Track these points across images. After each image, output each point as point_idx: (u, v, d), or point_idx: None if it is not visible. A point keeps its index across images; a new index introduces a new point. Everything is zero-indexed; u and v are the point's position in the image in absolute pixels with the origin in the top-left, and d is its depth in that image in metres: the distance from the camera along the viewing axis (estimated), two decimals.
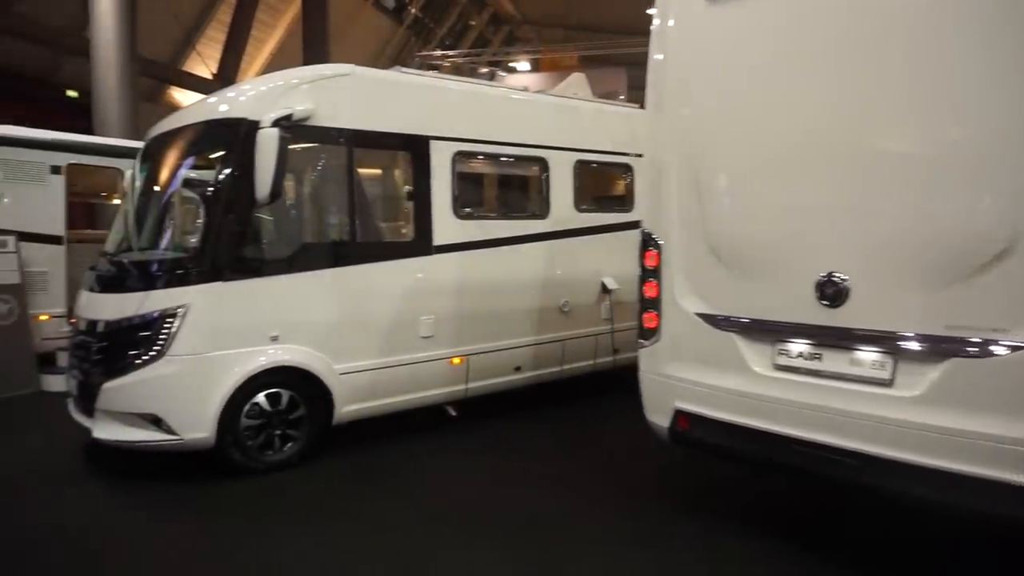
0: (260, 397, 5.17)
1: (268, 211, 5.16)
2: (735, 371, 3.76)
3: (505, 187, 7.12)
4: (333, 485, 5.11)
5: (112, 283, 5.30)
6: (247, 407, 5.10)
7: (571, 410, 7.10)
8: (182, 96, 20.59)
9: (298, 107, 5.08)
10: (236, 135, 4.98)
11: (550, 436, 6.22)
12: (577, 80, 8.07)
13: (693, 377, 3.96)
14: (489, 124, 6.40)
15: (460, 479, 5.22)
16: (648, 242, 4.21)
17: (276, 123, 4.94)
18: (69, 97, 18.24)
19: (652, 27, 4.20)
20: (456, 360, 6.20)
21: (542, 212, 6.85)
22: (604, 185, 7.72)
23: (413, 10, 30.75)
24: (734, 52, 3.83)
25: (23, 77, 17.39)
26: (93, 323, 5.26)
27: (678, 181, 4.06)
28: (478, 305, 6.31)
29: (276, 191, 4.84)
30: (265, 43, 24.22)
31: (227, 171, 4.98)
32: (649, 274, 4.20)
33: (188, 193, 5.21)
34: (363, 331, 5.64)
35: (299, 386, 5.33)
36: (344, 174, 5.50)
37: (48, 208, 8.43)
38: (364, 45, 28.15)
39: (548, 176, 6.84)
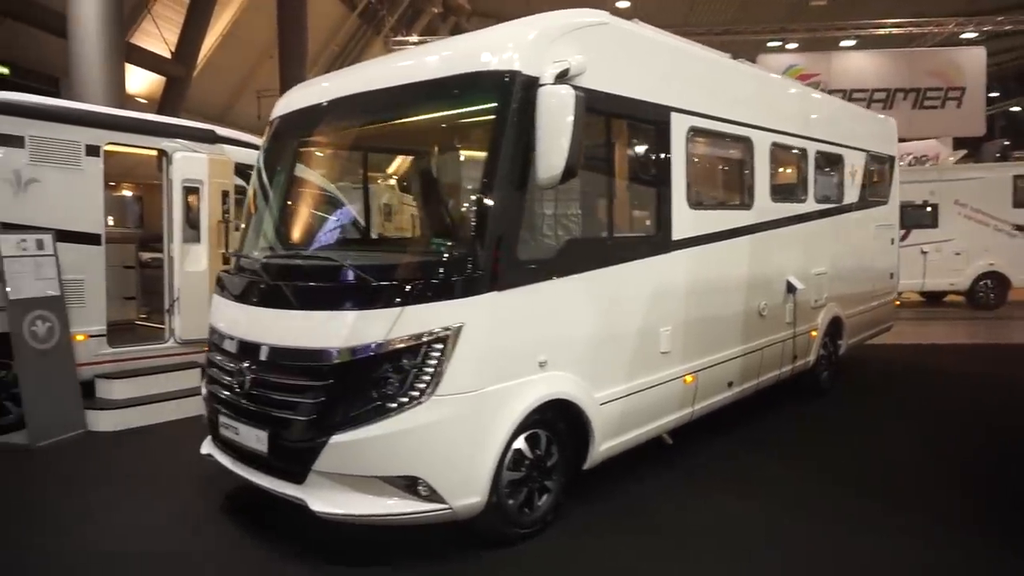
0: (520, 442, 3.92)
1: (540, 197, 3.90)
2: None
3: (723, 172, 6.09)
4: (616, 546, 3.96)
5: (321, 296, 3.85)
6: (508, 456, 3.84)
7: (756, 425, 6.20)
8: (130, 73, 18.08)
9: (573, 59, 3.85)
10: (508, 94, 3.69)
11: (784, 460, 5.34)
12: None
13: None
14: (720, 99, 5.39)
15: (743, 518, 4.34)
16: None
17: (559, 79, 3.71)
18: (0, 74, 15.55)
19: None
20: (689, 378, 5.13)
21: (750, 201, 5.88)
22: (792, 172, 6.82)
23: None
24: None
25: None
26: (285, 352, 3.83)
27: None
28: (704, 311, 5.28)
29: (570, 169, 3.60)
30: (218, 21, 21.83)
31: (501, 143, 3.67)
32: None
33: (433, 172, 3.85)
34: (615, 350, 4.49)
35: (554, 423, 4.11)
36: (604, 151, 4.32)
37: (84, 199, 6.63)
38: (314, 30, 26.11)
39: (754, 160, 5.88)
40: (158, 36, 18.57)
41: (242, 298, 4.29)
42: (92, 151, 6.63)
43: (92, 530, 4.33)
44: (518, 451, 3.89)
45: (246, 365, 3.98)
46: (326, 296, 3.81)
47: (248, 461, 4.03)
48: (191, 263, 7.25)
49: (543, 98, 3.64)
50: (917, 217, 13.97)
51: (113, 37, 11.07)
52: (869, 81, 20.27)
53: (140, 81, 18.34)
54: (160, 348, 7.21)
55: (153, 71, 17.55)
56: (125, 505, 4.69)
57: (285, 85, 18.29)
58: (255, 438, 3.89)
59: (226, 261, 7.36)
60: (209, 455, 4.43)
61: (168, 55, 17.99)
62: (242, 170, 7.80)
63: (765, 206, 6.01)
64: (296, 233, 4.66)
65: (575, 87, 3.66)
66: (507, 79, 3.70)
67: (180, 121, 7.72)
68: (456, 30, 35.81)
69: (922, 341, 10.77)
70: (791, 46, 23.14)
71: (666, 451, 5.23)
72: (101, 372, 6.71)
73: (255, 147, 8.19)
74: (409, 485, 3.55)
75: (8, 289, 5.86)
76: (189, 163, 7.22)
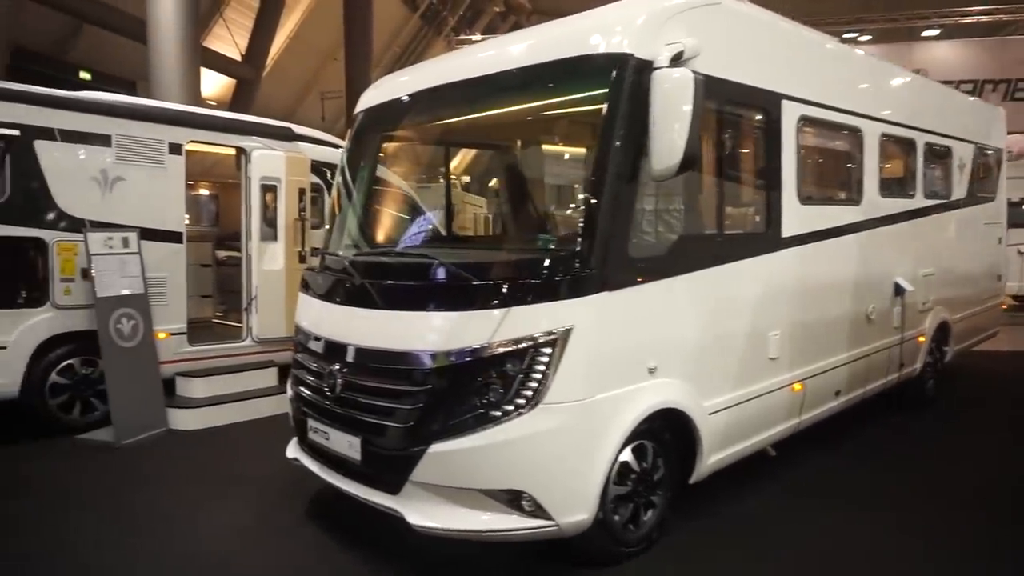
0: (627, 453, 3.63)
1: (651, 190, 3.61)
2: None
3: (832, 165, 5.69)
4: (728, 572, 3.64)
5: (419, 295, 3.64)
6: (614, 469, 3.56)
7: (860, 438, 5.76)
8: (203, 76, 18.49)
9: (686, 41, 3.55)
10: (619, 79, 3.41)
11: (892, 477, 4.93)
12: None
13: None
14: (830, 85, 5.01)
15: (855, 540, 3.96)
16: None
17: (674, 62, 3.42)
18: (82, 79, 16.07)
19: None
20: (797, 386, 4.76)
21: (858, 197, 5.46)
22: (900, 166, 6.35)
23: None
24: None
25: (28, 54, 15.15)
26: (380, 355, 3.63)
27: None
28: (813, 314, 4.90)
29: (688, 159, 3.30)
30: (284, 24, 22.18)
31: (612, 131, 3.39)
32: None
33: (534, 165, 3.60)
34: (724, 355, 4.17)
35: (660, 434, 3.82)
36: (714, 142, 4.01)
37: (166, 197, 6.65)
38: (377, 32, 26.31)
39: (863, 152, 5.46)
40: (229, 40, 18.95)
41: (331, 297, 4.13)
42: (175, 149, 6.64)
43: (178, 532, 4.25)
44: (624, 464, 3.61)
45: (337, 367, 3.81)
46: (424, 296, 3.60)
47: (338, 467, 3.87)
48: (268, 261, 7.21)
49: (658, 82, 3.35)
50: (1014, 215, 13.06)
51: (189, 41, 11.26)
52: (954, 72, 19.15)
53: (211, 84, 18.74)
54: (238, 347, 7.19)
55: (225, 74, 17.91)
56: (210, 507, 4.61)
57: (351, 86, 18.45)
58: (347, 444, 3.71)
59: (302, 259, 7.32)
60: (295, 459, 4.30)
61: (239, 58, 18.31)
62: (318, 168, 7.75)
63: (874, 202, 5.58)
64: (386, 230, 4.51)
65: (693, 71, 3.37)
66: (618, 63, 3.42)
67: (258, 119, 7.70)
68: (516, 29, 35.73)
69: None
70: (864, 38, 22.13)
71: (768, 464, 4.87)
72: (181, 370, 6.72)
73: (331, 145, 8.16)
74: (512, 500, 3.31)
75: (96, 287, 5.89)
76: (267, 161, 7.18)
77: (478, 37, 26.72)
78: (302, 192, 7.38)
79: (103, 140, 6.20)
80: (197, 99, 11.31)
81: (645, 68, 3.42)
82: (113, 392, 5.91)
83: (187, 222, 7.09)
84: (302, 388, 4.19)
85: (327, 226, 4.82)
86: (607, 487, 3.48)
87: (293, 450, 4.39)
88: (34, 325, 5.84)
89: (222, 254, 8.84)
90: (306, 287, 4.53)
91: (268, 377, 7.09)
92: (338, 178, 4.86)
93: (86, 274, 5.96)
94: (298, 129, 7.85)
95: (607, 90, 3.43)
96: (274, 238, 7.24)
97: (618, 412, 3.44)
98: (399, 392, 3.49)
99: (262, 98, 19.89)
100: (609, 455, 3.41)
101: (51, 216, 5.94)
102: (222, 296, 8.59)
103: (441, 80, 4.28)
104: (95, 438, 5.96)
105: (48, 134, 5.89)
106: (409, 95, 4.46)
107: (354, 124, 4.91)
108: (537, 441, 3.25)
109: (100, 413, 6.18)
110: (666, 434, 3.84)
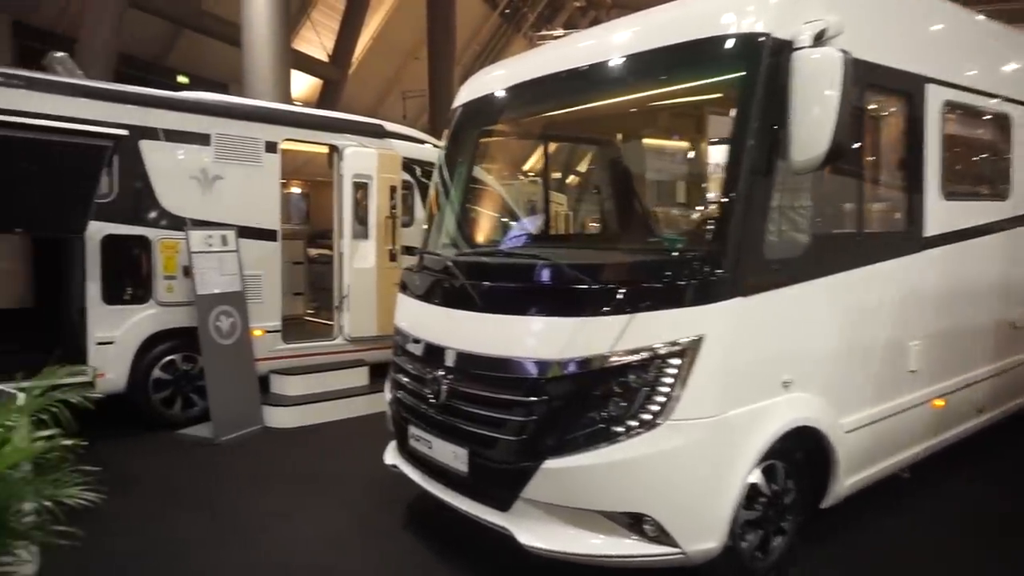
0: (757, 475, 3.30)
1: (789, 184, 3.26)
2: None
3: (977, 155, 5.16)
4: None
5: (532, 299, 3.41)
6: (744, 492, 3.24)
7: (1002, 461, 5.18)
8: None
9: (829, 18, 3.17)
10: (755, 61, 3.08)
11: None
12: None
13: None
14: (976, 66, 4.52)
15: None
16: None
17: (816, 41, 3.06)
18: (180, 83, 16.72)
19: None
20: (938, 402, 4.28)
21: (1005, 191, 4.91)
22: None
23: None
24: None
25: (132, 60, 15.83)
26: (490, 362, 3.41)
27: None
28: (955, 322, 4.42)
29: (836, 149, 2.94)
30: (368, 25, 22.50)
31: (747, 119, 3.07)
32: None
33: (656, 158, 3.31)
34: (862, 368, 3.77)
35: (791, 454, 3.46)
36: (855, 128, 3.60)
37: (262, 195, 6.68)
38: (458, 30, 26.39)
39: (1012, 140, 4.92)
40: (316, 42, 19.35)
41: (434, 299, 3.95)
42: (271, 148, 6.66)
43: (278, 534, 4.18)
44: (754, 486, 3.28)
45: (441, 373, 3.62)
46: (538, 299, 3.36)
47: (441, 477, 3.68)
48: (360, 260, 7.16)
49: (801, 64, 3.00)
50: None
51: (280, 43, 11.47)
52: None
53: (299, 85, 19.17)
54: (329, 345, 7.18)
55: (312, 74, 18.28)
56: (308, 509, 4.54)
57: (433, 84, 18.51)
58: (452, 455, 3.52)
59: (393, 258, 7.24)
60: (394, 466, 4.15)
61: (325, 59, 18.65)
62: (407, 165, 7.67)
63: (1022, 196, 5.00)
64: (487, 229, 4.30)
65: (840, 50, 3.00)
66: (754, 44, 3.09)
67: (350, 116, 7.67)
68: (596, 24, 35.24)
69: None
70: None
71: (901, 487, 4.41)
72: (275, 368, 6.75)
73: (420, 141, 8.07)
74: (634, 523, 3.04)
75: (196, 284, 5.95)
76: (359, 158, 7.13)
77: (560, 32, 26.41)
78: (393, 189, 7.31)
79: (203, 139, 6.27)
80: (287, 100, 11.52)
81: (784, 49, 3.08)
82: (212, 389, 5.96)
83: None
84: (402, 393, 4.04)
85: (424, 226, 4.66)
86: (737, 511, 3.16)
87: (392, 456, 4.25)
88: (139, 321, 5.96)
89: (313, 252, 8.91)
90: (405, 287, 4.38)
91: (360, 376, 7.05)
92: (436, 175, 4.69)
93: (187, 272, 6.04)
94: (389, 126, 7.79)
95: (742, 74, 3.10)
96: (365, 236, 7.20)
97: (751, 430, 3.12)
98: (510, 402, 3.27)
99: (344, 98, 20.25)
100: (741, 477, 3.10)
101: (155, 215, 6.04)
102: (313, 293, 8.65)
103: (547, 71, 4.03)
104: (195, 434, 6.03)
105: (152, 134, 5.99)
106: (511, 88, 4.23)
107: (452, 120, 4.73)
108: (663, 461, 2.97)
109: (199, 408, 6.26)
110: (798, 453, 3.48)
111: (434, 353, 3.75)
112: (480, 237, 4.38)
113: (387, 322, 7.15)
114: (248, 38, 11.24)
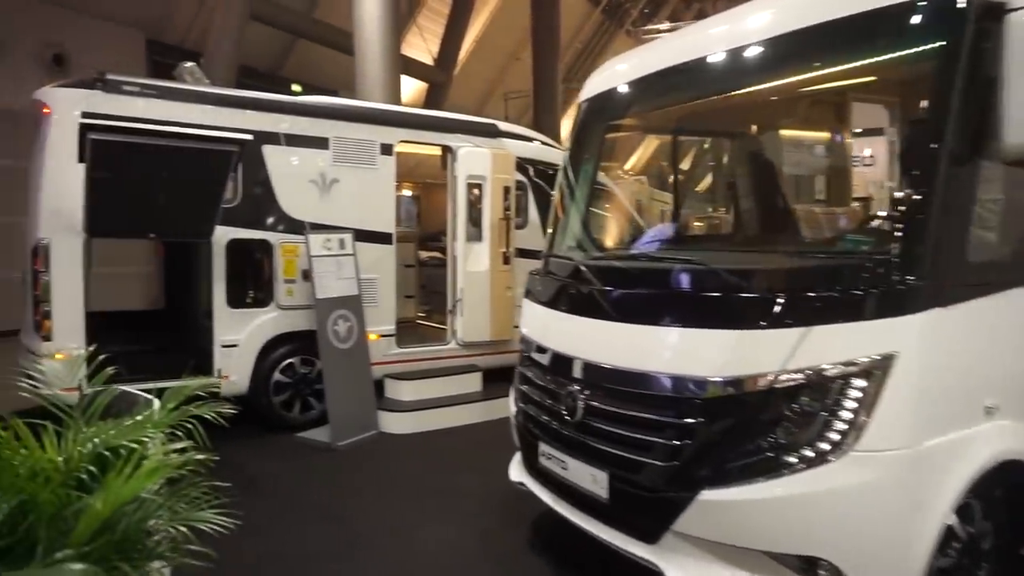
0: (951, 516, 2.80)
1: (997, 173, 2.76)
2: None
3: None
4: None
5: (683, 308, 3.06)
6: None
7: None
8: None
9: None
10: (957, 28, 2.60)
11: None
12: None
13: None
14: None
15: None
16: None
17: None
18: (294, 92, 17.31)
19: None
20: None
21: None
22: None
23: None
24: None
25: (250, 71, 16.54)
26: (634, 377, 3.08)
27: None
28: None
29: None
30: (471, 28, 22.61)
31: (947, 98, 2.59)
32: None
33: (832, 145, 2.89)
34: None
35: (990, 491, 2.93)
36: None
37: (378, 198, 6.63)
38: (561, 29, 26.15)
39: None
40: (422, 46, 19.58)
41: (566, 307, 3.65)
42: (386, 150, 6.61)
43: (400, 548, 4.05)
44: (949, 528, 2.79)
45: (578, 388, 3.33)
46: (691, 308, 3.00)
47: (576, 501, 3.39)
48: (473, 263, 7.00)
49: (1016, 28, 2.51)
50: None
51: (391, 47, 11.54)
52: None
53: (404, 89, 19.45)
54: (443, 349, 7.06)
55: (419, 79, 18.47)
56: (429, 524, 4.37)
57: (538, 84, 18.30)
58: (589, 478, 3.22)
59: (506, 261, 7.03)
60: (521, 484, 3.89)
61: (430, 62, 18.83)
62: (521, 165, 7.45)
63: None
64: (619, 230, 3.96)
65: None
66: (955, 7, 2.61)
67: (463, 116, 7.54)
68: (701, 17, 34.06)
69: None
70: None
71: None
72: (389, 373, 6.68)
73: (533, 140, 7.83)
74: (808, 568, 2.63)
75: (315, 288, 5.95)
76: (473, 158, 6.97)
77: (665, 26, 25.67)
78: (507, 190, 7.10)
79: (321, 143, 6.28)
80: (398, 104, 11.57)
81: (993, 11, 2.58)
82: (331, 394, 5.94)
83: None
84: (531, 407, 3.77)
85: (549, 229, 4.38)
86: (931, 560, 2.69)
87: (517, 472, 4.00)
88: (261, 324, 6.02)
89: (424, 254, 8.86)
90: (531, 294, 4.11)
91: (473, 382, 6.89)
92: (562, 175, 4.41)
93: (306, 275, 6.05)
94: (502, 125, 7.60)
95: (940, 43, 2.63)
96: (479, 238, 7.03)
97: (951, 464, 2.64)
98: (659, 424, 2.93)
99: (449, 100, 20.40)
100: (938, 519, 2.62)
101: (275, 218, 6.09)
102: (425, 297, 8.59)
103: (687, 57, 3.64)
104: (314, 438, 6.03)
105: (274, 139, 6.04)
106: (645, 76, 3.88)
107: (578, 115, 4.43)
108: (845, 498, 2.55)
109: (316, 412, 6.27)
110: (998, 490, 2.95)
111: (570, 366, 3.44)
112: (610, 240, 4.05)
113: (501, 327, 7.06)
114: (360, 44, 11.39)
